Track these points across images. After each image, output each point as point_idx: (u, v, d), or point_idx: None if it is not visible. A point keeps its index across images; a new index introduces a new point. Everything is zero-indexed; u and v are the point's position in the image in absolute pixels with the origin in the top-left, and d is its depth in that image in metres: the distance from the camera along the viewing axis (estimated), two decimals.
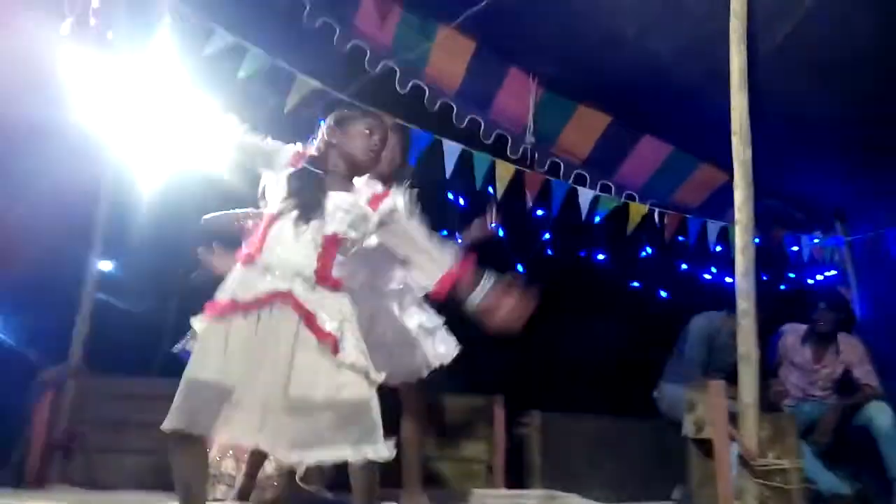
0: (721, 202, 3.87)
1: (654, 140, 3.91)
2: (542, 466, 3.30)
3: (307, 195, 1.76)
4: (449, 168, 3.62)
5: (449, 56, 3.61)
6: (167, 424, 1.57)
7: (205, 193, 2.94)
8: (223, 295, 1.70)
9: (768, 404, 3.30)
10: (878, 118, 3.43)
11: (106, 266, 3.18)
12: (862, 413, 3.40)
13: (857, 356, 3.58)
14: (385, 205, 1.83)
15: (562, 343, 3.97)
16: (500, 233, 3.77)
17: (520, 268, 3.85)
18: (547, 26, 3.36)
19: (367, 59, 3.46)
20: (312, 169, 1.81)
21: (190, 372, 1.62)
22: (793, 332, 3.69)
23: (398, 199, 1.87)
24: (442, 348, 2.34)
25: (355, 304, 1.80)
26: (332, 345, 1.64)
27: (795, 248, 4.20)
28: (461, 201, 3.97)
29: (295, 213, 1.74)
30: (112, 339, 2.74)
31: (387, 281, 2.37)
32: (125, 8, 2.77)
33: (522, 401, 3.66)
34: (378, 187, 1.89)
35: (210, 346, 1.64)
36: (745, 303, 2.18)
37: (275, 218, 1.77)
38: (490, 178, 3.78)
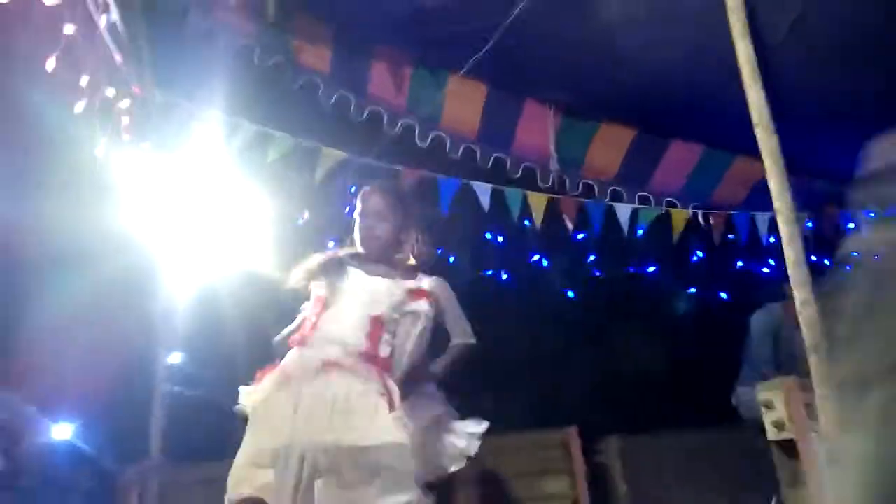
0: (766, 192, 3.78)
1: (682, 143, 3.87)
2: (628, 492, 3.20)
3: (341, 279, 1.89)
4: (485, 206, 3.68)
5: (463, 102, 3.70)
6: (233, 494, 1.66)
7: (255, 276, 3.08)
8: (276, 371, 1.80)
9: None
10: None
11: (174, 359, 3.32)
12: None
13: None
14: (420, 305, 1.91)
15: (628, 362, 3.89)
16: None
17: (570, 294, 3.82)
18: (553, 57, 3.42)
19: (384, 121, 3.58)
20: (344, 254, 1.96)
21: (246, 443, 1.72)
22: None
23: (427, 305, 1.93)
24: (463, 443, 2.31)
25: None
26: (387, 402, 1.70)
27: (853, 226, 4.03)
28: (499, 239, 4.00)
29: (345, 297, 1.86)
30: (189, 428, 2.85)
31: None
32: (154, 119, 2.97)
33: (599, 427, 3.58)
34: (423, 283, 1.96)
35: (262, 416, 1.74)
36: (803, 293, 2.11)
37: (326, 301, 1.87)
38: (525, 211, 3.81)
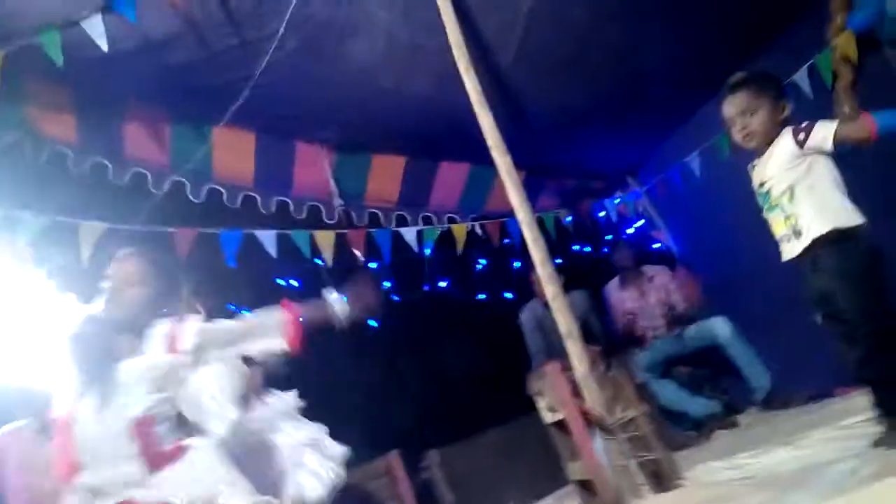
0: (527, 196, 4.20)
1: (450, 164, 4.18)
2: (456, 499, 3.36)
3: (95, 370, 1.63)
4: (271, 252, 3.67)
5: (233, 152, 3.66)
6: None
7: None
8: None
9: (627, 338, 3.62)
10: (622, 86, 3.92)
11: None
12: (706, 332, 3.79)
13: (669, 277, 4.03)
14: (186, 342, 1.74)
15: (439, 376, 4.09)
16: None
17: (372, 323, 3.94)
18: (314, 98, 3.52)
19: (150, 182, 3.43)
20: (94, 331, 1.71)
21: None
22: (614, 286, 4.08)
23: (193, 326, 1.79)
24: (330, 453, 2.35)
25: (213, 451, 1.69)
26: None
27: (603, 214, 4.64)
28: (294, 283, 4.02)
29: (91, 400, 1.61)
30: None
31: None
32: None
33: (426, 445, 3.71)
34: (167, 328, 1.78)
35: None
36: (552, 287, 2.40)
37: (72, 414, 1.62)
38: (316, 250, 3.86)
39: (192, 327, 1.80)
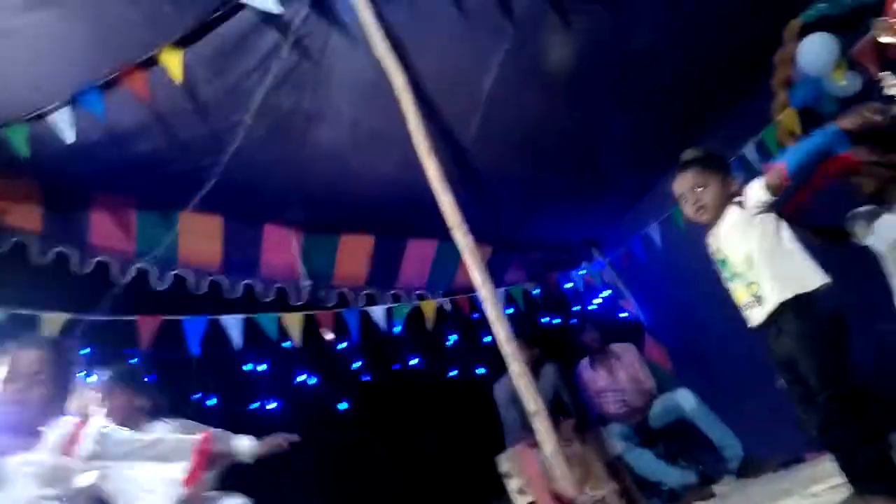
0: (495, 271, 4.25)
1: (418, 241, 4.23)
2: None
3: None
4: (237, 341, 3.62)
5: (200, 237, 3.67)
6: None
7: None
8: None
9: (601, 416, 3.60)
10: (579, 163, 4.05)
11: None
12: (673, 406, 3.80)
13: (636, 354, 4.07)
14: (83, 448, 1.65)
15: (410, 454, 4.01)
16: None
17: (344, 405, 3.88)
18: (282, 181, 3.58)
19: (115, 271, 3.41)
20: None
21: None
22: (584, 366, 4.11)
23: (93, 431, 1.69)
24: None
25: None
26: None
27: (570, 285, 4.70)
28: (261, 367, 3.95)
29: None
30: None
31: None
32: None
33: None
34: (68, 429, 1.68)
35: None
36: (516, 365, 2.39)
37: None
38: (284, 333, 3.82)
39: (92, 433, 1.70)
